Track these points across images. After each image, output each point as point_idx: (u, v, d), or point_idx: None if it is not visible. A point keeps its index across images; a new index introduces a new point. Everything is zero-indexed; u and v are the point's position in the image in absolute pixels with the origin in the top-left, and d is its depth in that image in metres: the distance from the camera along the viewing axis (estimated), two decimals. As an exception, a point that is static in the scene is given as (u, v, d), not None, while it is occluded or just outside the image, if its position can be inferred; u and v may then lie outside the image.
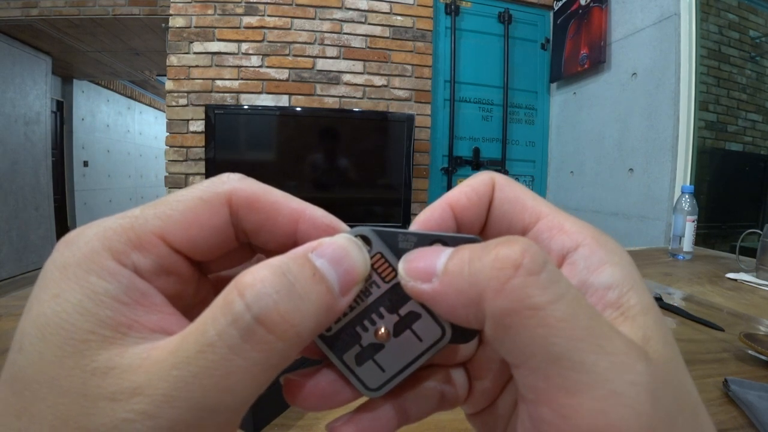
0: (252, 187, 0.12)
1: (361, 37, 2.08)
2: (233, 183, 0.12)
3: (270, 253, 0.13)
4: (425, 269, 0.11)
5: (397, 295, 0.13)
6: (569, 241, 0.12)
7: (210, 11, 1.96)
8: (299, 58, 2.03)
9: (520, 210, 0.14)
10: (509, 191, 0.14)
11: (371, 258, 0.13)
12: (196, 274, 0.13)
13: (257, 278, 0.10)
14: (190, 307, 0.13)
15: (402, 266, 0.12)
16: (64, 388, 0.09)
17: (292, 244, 0.12)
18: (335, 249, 0.11)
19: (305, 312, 0.10)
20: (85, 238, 0.11)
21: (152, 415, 0.09)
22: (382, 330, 0.13)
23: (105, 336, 0.10)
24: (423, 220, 0.14)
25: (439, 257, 0.11)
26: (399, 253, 0.13)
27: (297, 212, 0.13)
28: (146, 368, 0.09)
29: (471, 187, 0.14)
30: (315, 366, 0.14)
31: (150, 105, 5.50)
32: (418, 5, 2.12)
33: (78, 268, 0.10)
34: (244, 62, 1.99)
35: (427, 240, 0.13)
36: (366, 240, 0.13)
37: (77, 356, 0.09)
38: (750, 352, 0.47)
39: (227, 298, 0.10)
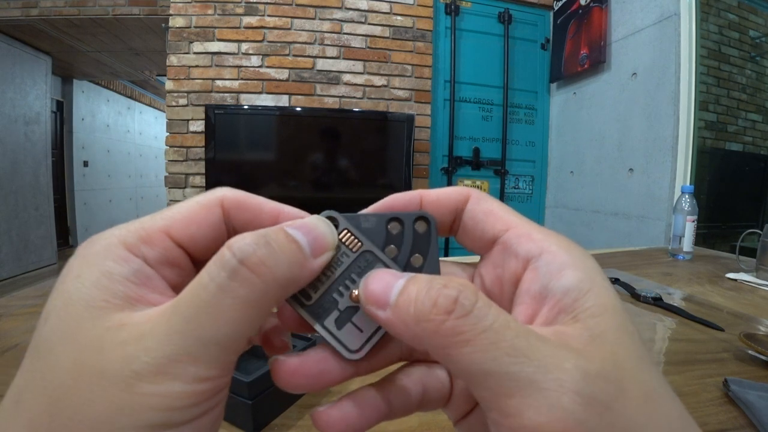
0: (239, 193, 0.15)
1: (361, 37, 2.08)
2: (224, 191, 0.15)
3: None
4: (381, 298, 0.13)
5: (365, 261, 0.15)
6: (535, 247, 0.14)
7: (210, 11, 1.96)
8: (299, 58, 2.03)
9: (493, 220, 0.15)
10: (484, 204, 0.16)
11: (340, 233, 0.15)
12: (195, 270, 0.14)
13: (241, 237, 0.12)
14: None
15: (362, 288, 0.14)
16: (82, 343, 0.11)
17: None
18: (305, 223, 0.14)
19: (280, 260, 0.12)
20: (104, 236, 0.13)
21: (153, 349, 0.11)
22: (355, 292, 0.14)
23: (117, 304, 0.12)
24: (391, 199, 0.16)
25: (392, 288, 0.13)
26: (363, 231, 0.15)
27: (276, 209, 0.15)
28: (150, 318, 0.11)
29: (446, 191, 0.16)
30: (302, 350, 0.15)
31: (150, 105, 5.49)
32: (418, 5, 2.12)
33: (97, 256, 0.12)
34: (244, 62, 1.99)
35: (384, 218, 0.15)
36: (333, 220, 0.15)
37: (94, 319, 0.11)
38: (750, 352, 0.47)
39: (219, 253, 0.12)
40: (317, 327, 0.14)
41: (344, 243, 0.15)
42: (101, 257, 0.12)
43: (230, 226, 0.15)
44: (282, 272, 0.12)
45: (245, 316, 0.11)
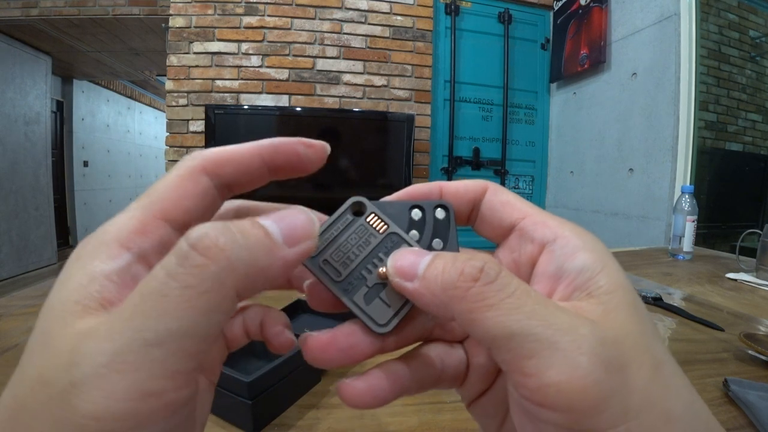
0: (215, 151, 0.14)
1: (361, 37, 2.08)
2: (199, 155, 0.14)
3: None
4: (409, 270, 0.14)
5: (391, 243, 0.16)
6: (550, 233, 0.15)
7: (210, 11, 1.96)
8: (299, 58, 2.03)
9: (510, 210, 0.16)
10: (501, 196, 0.17)
11: (367, 216, 0.16)
12: None
13: (202, 224, 0.11)
14: None
15: (390, 263, 0.14)
16: (49, 351, 0.10)
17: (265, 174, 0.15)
18: (280, 213, 0.13)
19: (239, 243, 0.11)
20: (100, 232, 0.12)
21: (91, 355, 0.10)
22: (383, 270, 0.15)
23: (89, 307, 0.11)
24: (412, 189, 0.17)
25: (420, 262, 0.14)
26: (388, 215, 0.16)
27: (256, 148, 0.15)
28: (104, 319, 0.11)
29: (465, 183, 0.17)
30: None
31: (150, 105, 5.49)
32: (418, 5, 2.12)
33: (88, 256, 0.12)
34: (244, 62, 1.99)
35: (407, 205, 0.16)
36: (360, 204, 0.16)
37: (65, 325, 0.11)
38: (750, 352, 0.47)
39: (174, 247, 0.11)
40: (347, 301, 0.15)
41: (371, 225, 0.16)
42: (91, 257, 0.12)
43: (221, 188, 0.15)
44: (241, 257, 0.11)
45: (198, 308, 0.10)
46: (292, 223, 0.13)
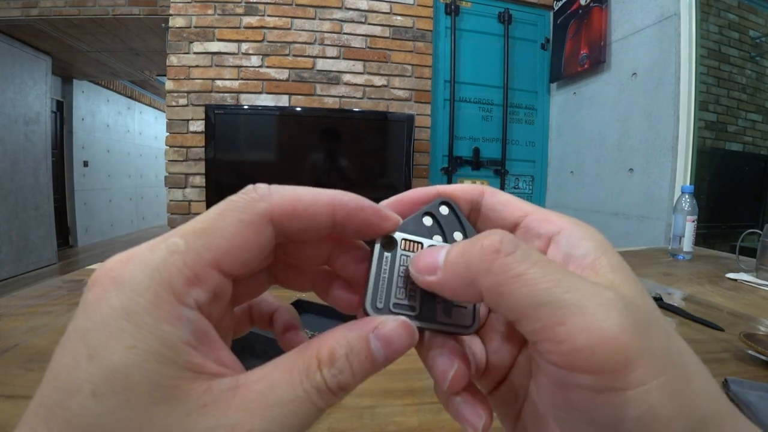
0: (287, 198, 0.13)
1: (361, 37, 2.08)
2: (268, 199, 0.13)
3: (293, 267, 0.17)
4: (430, 265, 0.14)
5: None
6: (554, 227, 0.16)
7: (210, 11, 1.96)
8: (299, 58, 2.03)
9: (511, 209, 0.17)
10: (499, 197, 0.17)
11: (401, 245, 0.16)
12: (231, 298, 0.15)
13: (332, 358, 0.12)
14: (220, 332, 0.14)
15: (411, 266, 0.15)
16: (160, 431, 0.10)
17: (326, 236, 0.15)
18: (388, 336, 0.14)
19: (356, 381, 0.13)
20: (142, 281, 0.11)
21: None
22: None
23: (187, 378, 0.11)
24: (410, 193, 0.18)
25: (439, 254, 0.14)
26: (412, 233, 0.17)
27: (329, 207, 0.14)
28: (238, 406, 0.11)
29: (462, 186, 0.18)
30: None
31: (150, 105, 5.49)
32: (418, 5, 2.12)
33: (148, 316, 0.11)
34: (244, 62, 1.99)
35: (418, 217, 0.17)
36: (389, 238, 0.16)
37: (169, 401, 0.10)
38: (750, 352, 0.47)
39: (310, 367, 0.12)
40: (435, 326, 0.16)
41: (408, 250, 0.16)
42: (153, 318, 0.11)
43: (282, 238, 0.14)
44: (352, 388, 0.13)
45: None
46: (396, 349, 0.14)
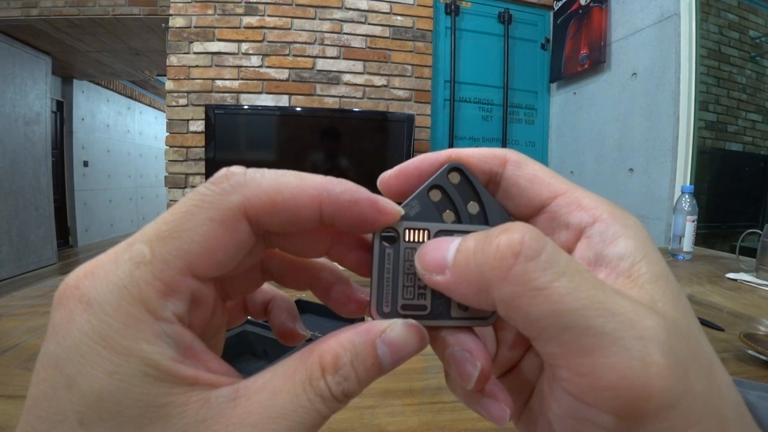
0: (264, 188, 0.12)
1: (361, 37, 2.08)
2: (242, 190, 0.11)
3: (287, 258, 0.15)
4: (438, 262, 0.12)
5: None
6: (587, 216, 0.13)
7: (210, 11, 1.96)
8: (299, 58, 2.03)
9: (538, 187, 0.14)
10: (526, 169, 0.14)
11: (404, 236, 0.14)
12: (218, 297, 0.14)
13: (336, 365, 0.11)
14: (210, 332, 0.13)
15: (417, 261, 0.13)
16: None
17: (317, 229, 0.13)
18: (395, 342, 0.12)
19: (362, 387, 0.12)
20: (110, 300, 0.10)
21: None
22: None
23: (180, 393, 0.10)
24: (418, 160, 0.15)
25: (448, 249, 0.12)
26: (416, 218, 0.14)
27: (316, 200, 0.12)
28: (240, 420, 0.10)
29: (480, 153, 0.15)
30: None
31: (150, 105, 5.49)
32: (418, 5, 2.12)
33: (124, 339, 0.10)
34: (244, 62, 1.99)
35: (423, 193, 0.14)
36: (393, 236, 0.14)
37: (164, 420, 0.10)
38: (750, 352, 0.47)
39: (313, 374, 0.11)
40: (449, 323, 0.14)
41: (413, 241, 0.14)
42: (130, 340, 0.10)
43: (262, 232, 0.12)
44: (357, 394, 0.12)
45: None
46: (403, 356, 0.13)
